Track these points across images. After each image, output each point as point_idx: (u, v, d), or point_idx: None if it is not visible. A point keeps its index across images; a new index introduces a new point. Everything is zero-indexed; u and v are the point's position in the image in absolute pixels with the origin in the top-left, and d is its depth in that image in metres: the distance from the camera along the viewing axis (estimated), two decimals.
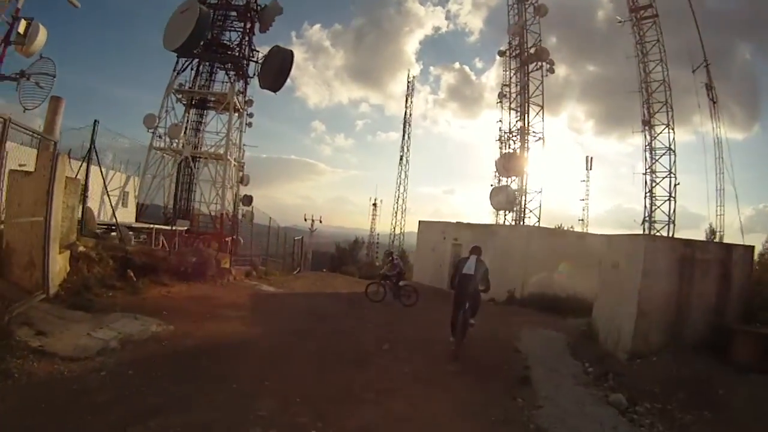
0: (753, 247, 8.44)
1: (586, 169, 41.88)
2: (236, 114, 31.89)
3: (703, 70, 26.03)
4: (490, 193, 27.62)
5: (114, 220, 15.10)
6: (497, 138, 30.06)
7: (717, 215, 26.92)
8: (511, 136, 27.60)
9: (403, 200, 45.73)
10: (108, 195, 16.56)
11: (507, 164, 26.56)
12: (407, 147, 45.45)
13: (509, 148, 27.97)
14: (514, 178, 27.51)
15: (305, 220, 42.46)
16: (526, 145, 26.71)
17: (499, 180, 29.33)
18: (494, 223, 25.27)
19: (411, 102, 46.39)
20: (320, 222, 43.49)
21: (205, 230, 31.06)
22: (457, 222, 19.18)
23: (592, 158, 42.38)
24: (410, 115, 45.81)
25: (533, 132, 27.15)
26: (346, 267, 37.23)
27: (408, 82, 45.85)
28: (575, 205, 60.40)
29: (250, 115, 33.87)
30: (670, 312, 7.39)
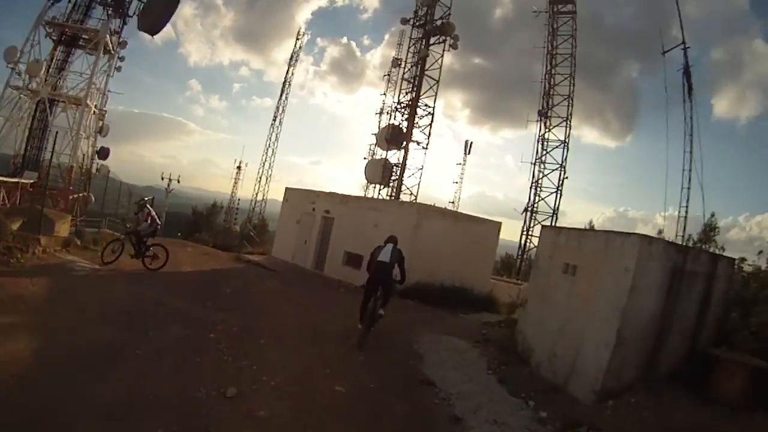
0: (735, 259, 7.27)
1: (464, 153, 42.40)
2: (106, 56, 28.17)
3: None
4: (366, 165, 25.91)
5: None
6: (378, 111, 28.60)
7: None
8: (399, 107, 26.09)
9: (270, 165, 41.85)
10: None
11: (390, 136, 25.00)
12: (283, 108, 41.64)
13: (394, 119, 26.45)
14: (394, 152, 26.19)
15: (162, 179, 36.67)
16: (415, 119, 25.41)
17: (373, 154, 27.84)
18: (377, 198, 23.58)
19: (295, 61, 42.47)
20: (178, 182, 38.31)
21: (54, 185, 26.93)
22: (330, 192, 16.68)
23: (471, 143, 43.01)
24: (292, 74, 42.02)
25: (424, 105, 25.95)
26: (199, 234, 32.77)
27: (297, 38, 41.92)
28: (445, 187, 62.27)
29: (122, 59, 29.65)
30: (650, 338, 5.82)
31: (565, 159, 26.58)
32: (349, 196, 15.98)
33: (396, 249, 7.99)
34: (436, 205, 14.92)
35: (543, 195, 26.53)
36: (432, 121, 26.03)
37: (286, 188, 18.94)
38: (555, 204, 26.37)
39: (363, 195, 24.41)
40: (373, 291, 7.65)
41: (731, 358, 5.69)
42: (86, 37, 27.54)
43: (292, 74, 41.91)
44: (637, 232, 5.94)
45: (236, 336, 6.75)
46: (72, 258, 10.96)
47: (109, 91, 29.67)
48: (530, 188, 26.76)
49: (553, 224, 25.54)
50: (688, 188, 19.31)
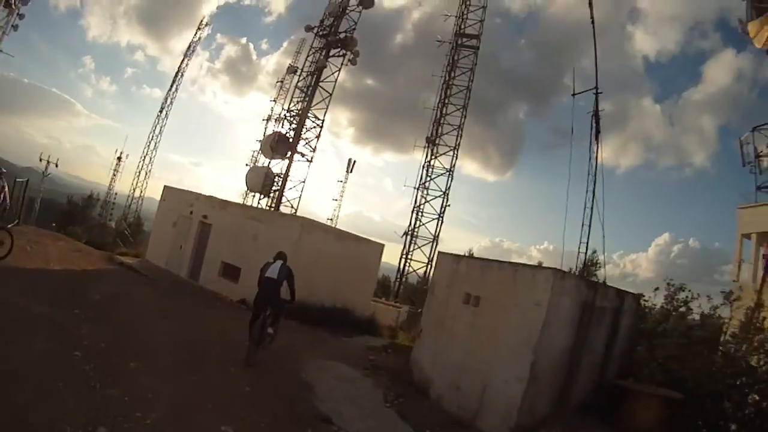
0: (640, 295, 7.53)
1: (347, 170, 42.26)
2: (5, 11, 25.95)
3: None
4: (247, 172, 24.85)
5: None
6: (265, 118, 27.77)
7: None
8: (288, 116, 25.36)
9: (151, 159, 38.55)
10: None
11: (276, 144, 24.12)
12: (171, 100, 38.69)
13: (282, 127, 25.66)
14: (277, 161, 25.41)
15: (40, 160, 31.90)
16: (303, 130, 24.81)
17: (256, 161, 26.91)
18: (258, 206, 22.47)
19: (192, 52, 39.69)
20: (56, 166, 33.09)
21: None
22: (210, 196, 15.36)
23: (354, 161, 43.02)
24: (186, 66, 39.19)
25: (314, 117, 25.45)
26: (73, 228, 29.26)
27: (198, 29, 39.19)
28: (324, 203, 62.34)
29: (21, 16, 26.77)
30: (562, 372, 5.80)
31: (449, 187, 26.79)
32: (229, 202, 14.83)
33: (285, 266, 7.83)
34: (316, 220, 14.42)
35: (424, 220, 26.45)
36: (320, 134, 25.63)
37: (165, 187, 17.33)
38: (436, 230, 26.52)
39: (242, 203, 23.28)
40: (263, 308, 7.37)
41: (644, 390, 5.86)
42: None
43: (187, 65, 39.29)
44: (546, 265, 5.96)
45: (104, 354, 5.78)
46: None
47: (0, 50, 26.47)
48: (412, 212, 26.61)
49: (434, 250, 25.82)
50: (589, 225, 20.32)
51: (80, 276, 11.00)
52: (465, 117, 27.40)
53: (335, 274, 13.33)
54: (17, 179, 15.70)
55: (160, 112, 38.18)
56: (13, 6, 26.33)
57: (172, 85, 38.67)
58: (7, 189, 9.73)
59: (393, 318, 18.33)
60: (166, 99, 38.58)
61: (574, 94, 22.48)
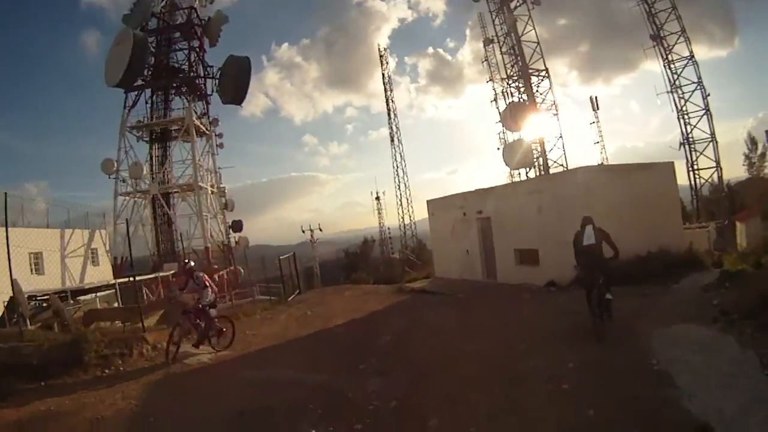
0: None
1: (594, 110, 37.60)
2: (203, 138, 30.79)
3: None
4: (503, 152, 23.87)
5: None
6: (492, 98, 26.66)
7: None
8: (510, 83, 23.68)
9: (405, 185, 41.47)
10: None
11: (515, 114, 22.61)
12: (395, 125, 41.79)
13: (511, 97, 24.11)
14: (525, 129, 23.79)
15: (303, 232, 37.51)
16: (532, 88, 22.80)
17: (505, 141, 25.76)
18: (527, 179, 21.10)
19: (388, 81, 42.76)
20: (320, 230, 38.04)
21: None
22: (476, 189, 14.80)
23: (597, 98, 38.12)
24: (391, 92, 42.29)
25: (535, 71, 23.28)
26: (356, 274, 33.07)
27: (381, 61, 42.51)
28: (586, 152, 56.03)
29: (219, 136, 32.24)
30: None
31: (700, 76, 22.60)
32: (497, 186, 13.99)
33: (596, 228, 7.45)
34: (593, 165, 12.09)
35: (693, 122, 22.70)
36: (551, 84, 23.23)
37: (428, 201, 17.64)
38: (710, 127, 22.31)
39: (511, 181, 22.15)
40: (594, 277, 7.13)
41: None
42: (176, 127, 29.46)
43: (391, 91, 42.05)
44: None
45: (394, 414, 5.15)
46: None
47: (219, 168, 31.73)
48: (678, 119, 22.95)
49: (717, 149, 21.79)
50: None
51: (366, 321, 10.81)
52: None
53: (636, 214, 11.25)
54: (280, 256, 16.84)
55: (392, 141, 41.60)
56: (207, 132, 30.55)
57: (389, 115, 42.02)
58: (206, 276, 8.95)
59: (704, 240, 15.90)
60: (390, 127, 41.99)
61: None
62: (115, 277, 20.85)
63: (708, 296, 8.00)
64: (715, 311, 6.91)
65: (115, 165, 27.80)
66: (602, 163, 33.41)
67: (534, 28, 23.80)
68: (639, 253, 10.79)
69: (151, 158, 30.17)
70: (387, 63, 43.02)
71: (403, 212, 41.80)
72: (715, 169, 21.59)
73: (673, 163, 13.66)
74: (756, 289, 6.93)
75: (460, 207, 14.97)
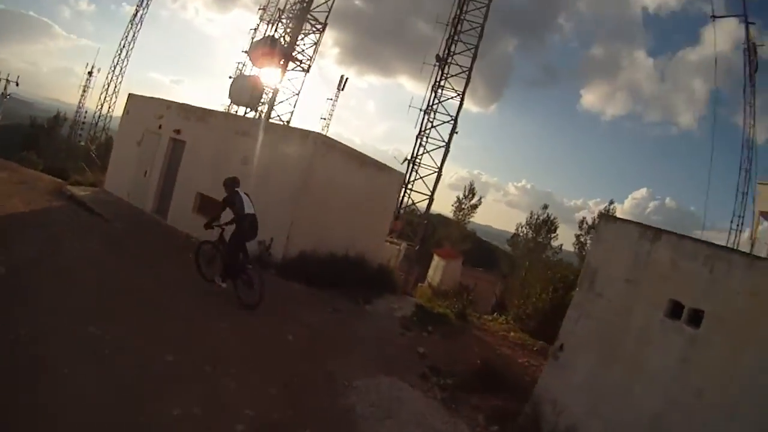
0: None
1: (338, 88, 38.25)
2: None
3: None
4: (231, 83, 20.65)
5: None
6: (254, 27, 23.35)
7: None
8: (283, 17, 20.83)
9: (122, 71, 33.83)
10: None
11: (266, 50, 19.85)
12: (146, 3, 33.85)
13: (274, 32, 21.28)
14: (266, 71, 21.32)
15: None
16: (299, 31, 20.45)
17: (241, 72, 22.72)
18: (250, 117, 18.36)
19: None
20: (17, 85, 28.52)
21: None
22: (184, 104, 11.44)
23: (347, 79, 38.96)
24: None
25: (314, 19, 21.05)
26: (26, 153, 25.13)
27: None
28: (310, 123, 58.47)
29: None
30: None
31: (459, 112, 23.37)
32: (211, 111, 10.71)
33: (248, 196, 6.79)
34: (334, 138, 10.39)
35: (429, 148, 23.22)
36: (320, 39, 21.37)
37: (129, 95, 13.26)
38: (442, 161, 23.18)
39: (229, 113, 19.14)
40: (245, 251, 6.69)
41: None
42: None
43: None
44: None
45: None
46: None
47: None
48: (417, 137, 23.22)
49: (438, 182, 22.70)
50: None
51: None
52: (482, 36, 23.36)
53: (351, 212, 9.93)
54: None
55: (134, 17, 33.26)
56: None
57: None
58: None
59: (393, 257, 15.29)
60: (140, 2, 33.55)
61: (714, 17, 18.07)
62: None
63: (410, 337, 7.25)
64: (422, 364, 6.14)
65: None
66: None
67: None
68: (337, 252, 9.57)
69: None
70: None
71: (106, 98, 33.70)
72: (428, 198, 23.09)
73: (403, 174, 13.47)
74: (457, 340, 6.83)
75: (159, 117, 11.31)
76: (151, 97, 12.42)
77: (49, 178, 13.49)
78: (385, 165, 11.57)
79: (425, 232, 23.28)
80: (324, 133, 33.15)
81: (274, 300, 6.78)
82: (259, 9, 25.15)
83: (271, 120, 19.45)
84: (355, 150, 10.07)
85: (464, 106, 23.12)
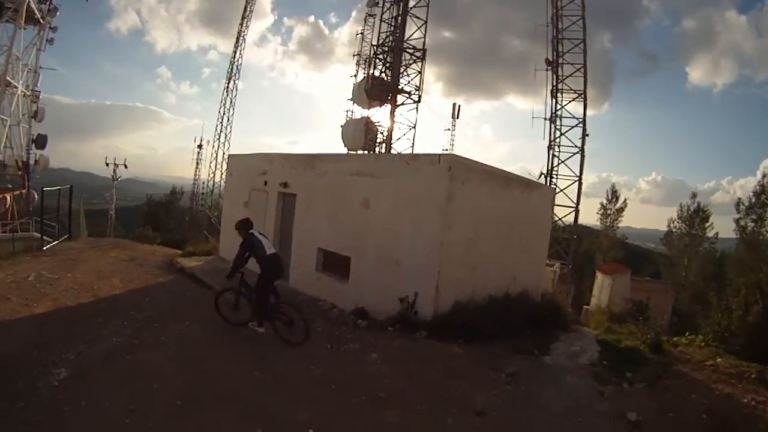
0: None
1: (453, 117, 36.71)
2: (35, 27, 23.96)
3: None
4: (343, 127, 19.96)
5: None
6: (354, 74, 22.97)
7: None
8: (379, 51, 19.91)
9: (226, 137, 35.12)
10: None
11: (370, 89, 18.91)
12: (237, 67, 35.49)
13: (374, 69, 20.39)
14: (377, 109, 20.32)
15: (107, 165, 28.84)
16: (401, 63, 19.36)
17: (351, 115, 22.20)
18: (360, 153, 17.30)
19: (245, 27, 36.22)
20: (125, 167, 29.98)
21: None
22: (288, 154, 10.24)
23: (460, 106, 37.47)
24: (243, 44, 35.92)
25: (411, 47, 19.94)
26: (141, 230, 26.32)
27: (243, 16, 35.93)
28: None
29: (54, 29, 24.82)
30: None
31: (585, 113, 21.28)
32: (317, 155, 9.41)
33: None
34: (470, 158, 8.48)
35: (562, 157, 21.27)
36: (423, 66, 20.12)
37: (230, 156, 12.70)
38: (580, 167, 20.89)
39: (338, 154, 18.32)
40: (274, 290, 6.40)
41: None
42: (10, 5, 21.78)
43: (243, 43, 35.86)
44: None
45: None
46: None
47: (41, 67, 24.77)
48: (548, 149, 21.39)
49: (580, 191, 20.36)
50: None
51: (72, 319, 6.50)
52: (586, 27, 21.66)
53: (505, 243, 8.10)
54: (59, 188, 12.94)
55: (228, 82, 34.99)
56: (42, 21, 24.42)
57: (235, 48, 35.26)
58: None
59: (549, 281, 13.73)
60: (231, 65, 35.29)
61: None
62: None
63: (611, 397, 5.27)
64: None
65: None
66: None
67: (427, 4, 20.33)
68: (496, 293, 7.72)
69: None
70: (251, 9, 36.30)
71: (216, 166, 35.16)
72: (573, 209, 20.74)
73: (554, 190, 11.49)
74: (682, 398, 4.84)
75: (263, 172, 10.35)
76: (251, 154, 11.56)
77: (163, 251, 13.31)
78: (532, 181, 9.58)
79: (575, 247, 20.88)
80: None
81: (429, 376, 5.22)
82: (354, 55, 25.00)
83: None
84: (496, 168, 8.19)
85: (578, 111, 21.04)
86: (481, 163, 7.74)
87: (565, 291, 15.55)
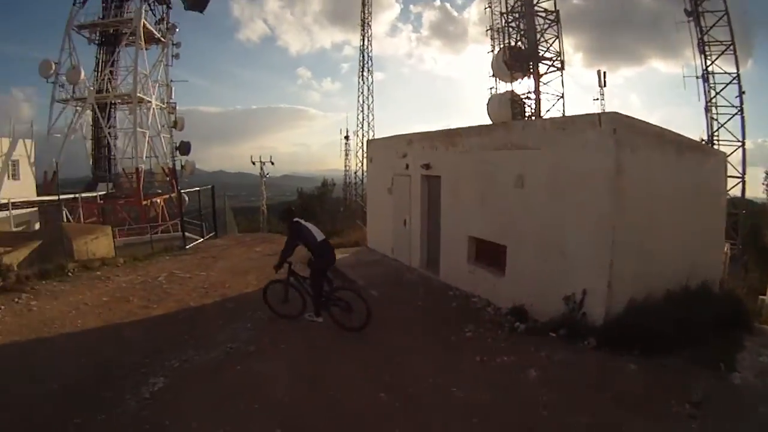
0: None
1: (600, 85, 32.45)
2: (159, 46, 26.99)
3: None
4: (488, 102, 18.99)
5: None
6: (490, 50, 21.50)
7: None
8: (510, 18, 18.39)
9: (369, 124, 35.86)
10: None
11: (509, 60, 17.63)
12: (368, 55, 36.37)
13: (509, 38, 19.00)
14: (519, 81, 18.92)
15: (253, 163, 30.91)
16: (534, 28, 17.73)
17: (495, 91, 20.99)
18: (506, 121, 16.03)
19: (369, 14, 36.77)
20: (272, 164, 31.87)
21: (129, 193, 25.31)
22: (427, 132, 9.46)
23: (605, 72, 32.97)
24: (369, 14, 36.48)
25: (542, 10, 18.03)
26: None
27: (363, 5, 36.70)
28: None
29: (177, 45, 28.03)
30: None
31: (738, 67, 17.88)
32: (458, 130, 8.43)
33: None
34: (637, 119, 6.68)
35: (721, 120, 18.07)
36: (560, 28, 17.98)
37: (368, 141, 12.52)
38: (742, 131, 17.63)
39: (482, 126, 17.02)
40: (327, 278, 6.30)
41: None
42: (130, 30, 24.88)
43: (369, 25, 37.85)
44: None
45: None
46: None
47: (171, 81, 27.79)
48: (706, 111, 18.31)
49: (745, 157, 17.42)
50: None
51: (197, 318, 6.71)
52: None
53: (681, 224, 6.58)
54: (198, 189, 14.68)
55: (361, 73, 35.86)
56: (163, 39, 26.46)
57: (362, 35, 35.61)
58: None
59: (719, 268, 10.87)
60: (361, 51, 35.74)
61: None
62: (43, 194, 19.31)
63: None
64: None
65: (53, 67, 24.04)
66: None
67: None
68: (673, 287, 6.14)
69: (98, 63, 26.03)
70: (370, 12, 37.93)
71: (362, 156, 36.28)
72: (740, 180, 17.30)
73: (725, 155, 9.12)
74: None
75: (403, 156, 9.83)
76: (389, 137, 11.16)
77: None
78: (706, 146, 7.53)
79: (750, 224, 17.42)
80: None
81: (597, 406, 4.12)
82: (487, 29, 23.60)
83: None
84: (667, 130, 6.44)
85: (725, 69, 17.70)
86: (651, 124, 6.12)
87: (741, 276, 12.61)
